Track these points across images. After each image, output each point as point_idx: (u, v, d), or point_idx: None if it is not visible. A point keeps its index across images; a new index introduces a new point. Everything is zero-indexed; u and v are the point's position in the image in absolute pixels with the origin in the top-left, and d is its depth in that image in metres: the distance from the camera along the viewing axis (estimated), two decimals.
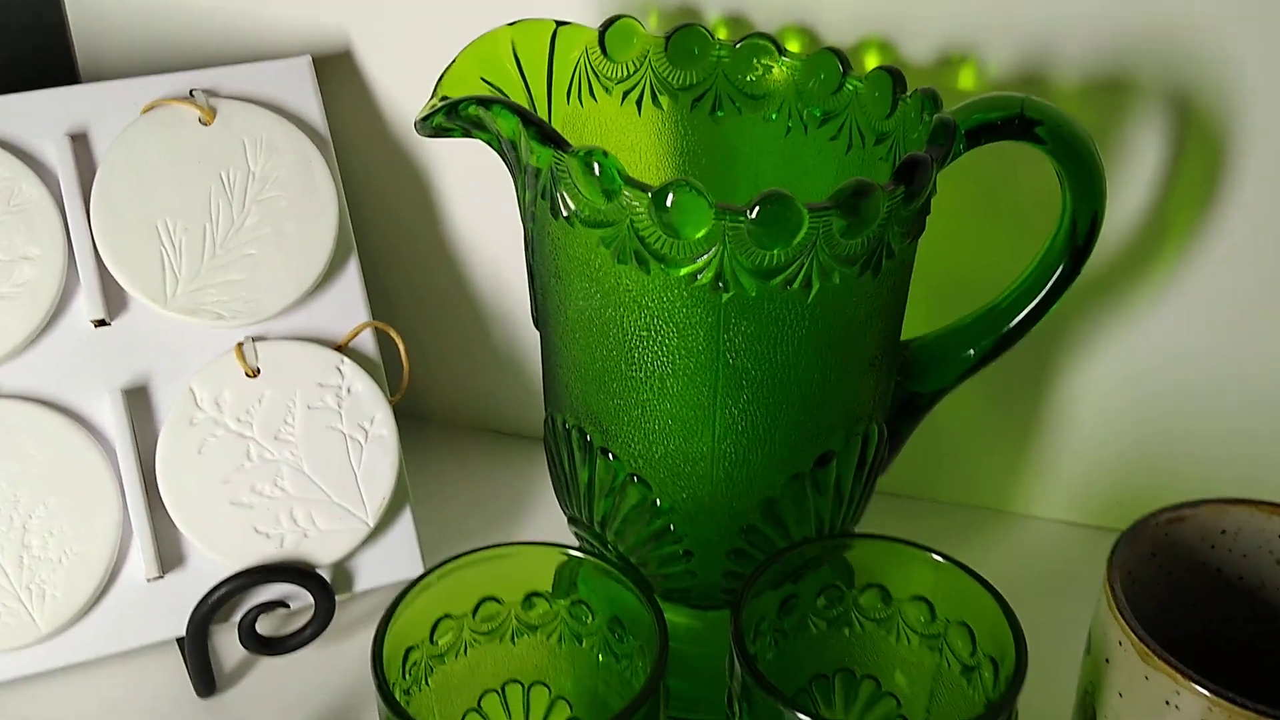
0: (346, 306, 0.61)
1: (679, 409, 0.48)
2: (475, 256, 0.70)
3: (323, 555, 0.58)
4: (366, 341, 0.62)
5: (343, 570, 0.60)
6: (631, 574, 0.46)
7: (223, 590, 0.56)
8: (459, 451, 0.74)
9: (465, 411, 0.75)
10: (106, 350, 0.58)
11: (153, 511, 0.57)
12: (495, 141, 0.50)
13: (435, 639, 0.47)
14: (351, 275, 0.62)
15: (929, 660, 0.49)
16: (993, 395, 0.66)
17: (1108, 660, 0.44)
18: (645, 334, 0.47)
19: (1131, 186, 0.60)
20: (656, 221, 0.44)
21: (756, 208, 0.43)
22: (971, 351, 0.54)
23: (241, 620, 0.57)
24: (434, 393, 0.74)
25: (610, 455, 0.51)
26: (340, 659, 0.61)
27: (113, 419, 0.57)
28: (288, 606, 0.58)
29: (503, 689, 0.45)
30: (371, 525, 0.59)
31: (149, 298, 0.57)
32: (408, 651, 0.46)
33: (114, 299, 0.58)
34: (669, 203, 0.43)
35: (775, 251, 0.44)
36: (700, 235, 0.44)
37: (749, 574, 0.48)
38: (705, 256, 0.44)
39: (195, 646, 0.57)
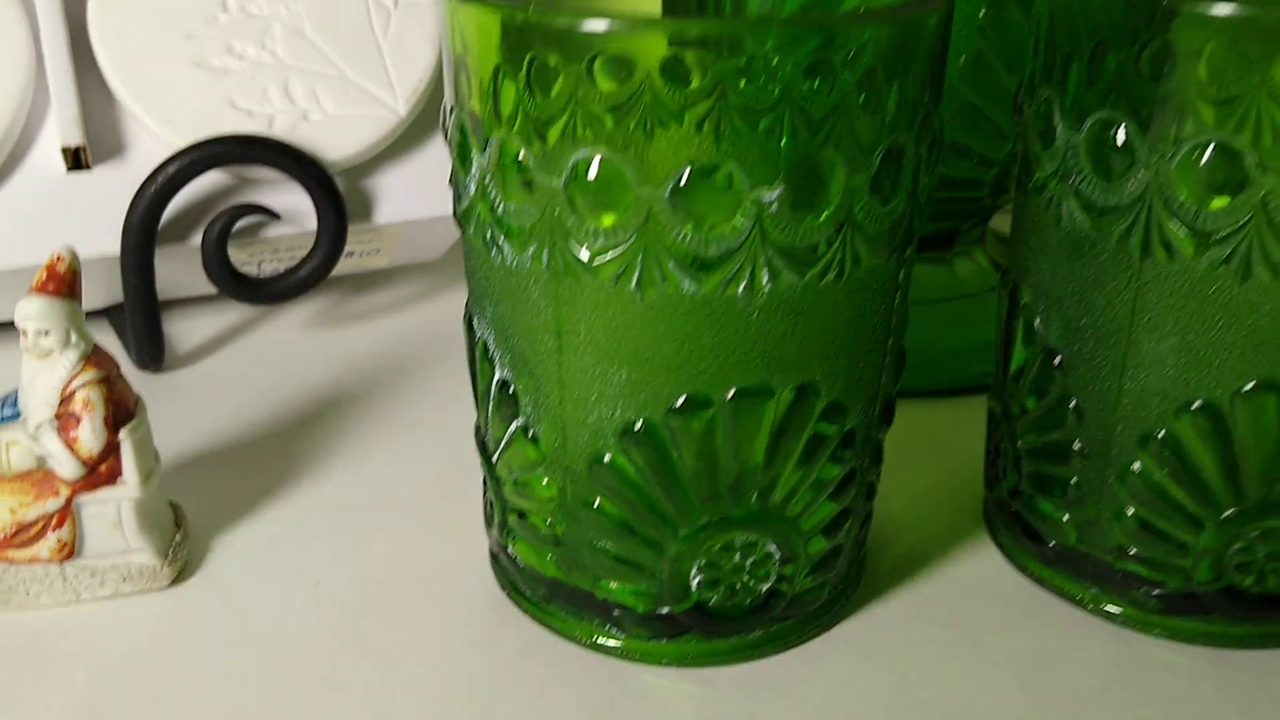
0: None
1: None
2: None
3: (332, 148, 0.40)
4: None
5: (358, 188, 0.41)
6: None
7: (178, 165, 0.37)
8: None
9: None
10: None
11: (79, 68, 0.39)
12: None
13: (534, 85, 0.28)
14: None
15: None
16: None
17: None
18: None
19: None
20: None
21: None
22: None
23: (208, 231, 0.39)
24: None
25: None
26: (346, 340, 0.42)
27: None
28: (275, 215, 0.39)
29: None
30: (403, 114, 0.41)
31: None
32: (497, 70, 0.27)
33: None
34: None
35: None
36: None
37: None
38: None
39: (136, 263, 0.38)
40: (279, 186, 0.40)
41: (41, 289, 0.28)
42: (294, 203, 0.40)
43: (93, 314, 0.42)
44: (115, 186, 0.39)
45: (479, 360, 0.27)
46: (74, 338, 0.28)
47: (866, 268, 0.24)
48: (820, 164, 0.22)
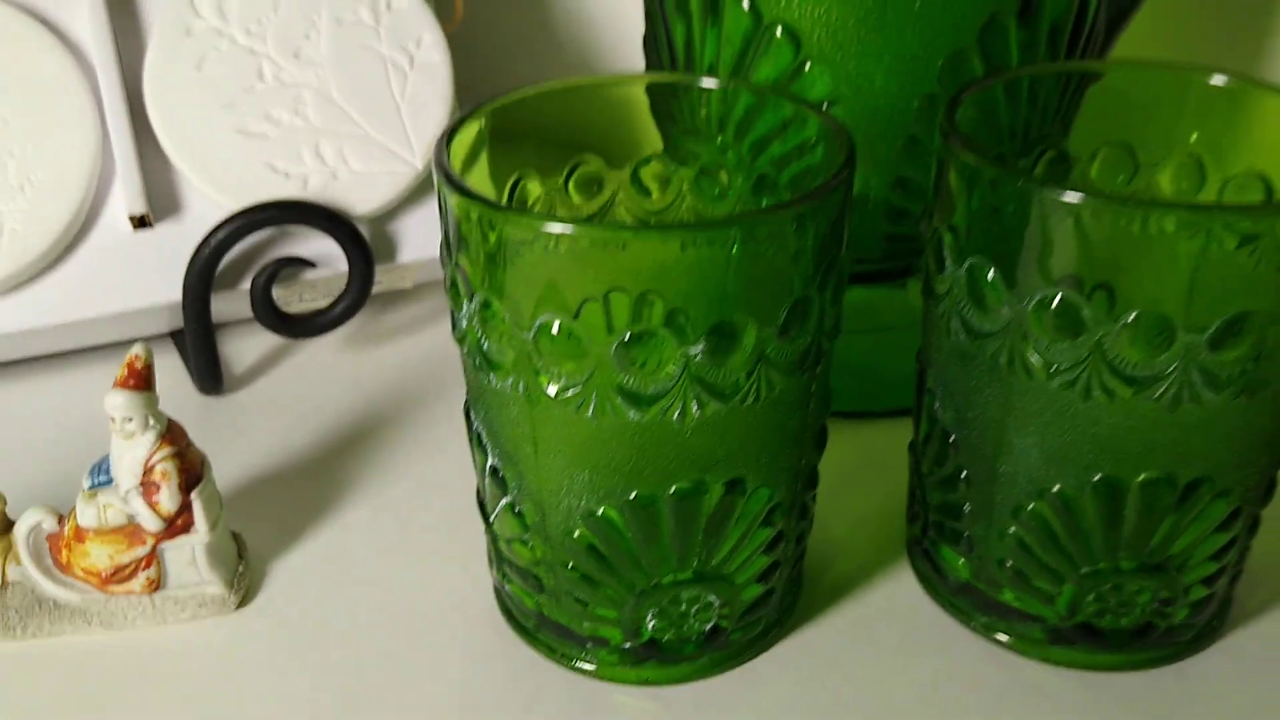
0: None
1: None
2: None
3: (359, 203, 0.45)
4: None
5: (383, 232, 0.47)
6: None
7: (228, 230, 0.43)
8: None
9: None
10: None
11: (139, 138, 0.45)
12: None
13: (519, 202, 0.34)
14: None
15: (1188, 249, 0.35)
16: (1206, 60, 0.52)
17: None
18: None
19: None
20: None
21: None
22: None
23: (255, 280, 0.45)
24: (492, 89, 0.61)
25: (744, 2, 0.38)
26: (378, 360, 0.48)
27: (90, 24, 0.44)
28: (313, 265, 0.45)
29: (606, 297, 0.31)
30: (420, 167, 0.46)
31: None
32: (484, 233, 0.33)
33: None
34: None
35: None
36: None
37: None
38: None
39: (194, 311, 0.44)
40: (315, 235, 0.45)
41: (124, 384, 0.34)
42: (328, 248, 0.46)
43: (159, 337, 0.49)
44: (175, 240, 0.45)
45: (475, 446, 0.33)
46: (151, 421, 0.34)
47: (780, 389, 0.30)
48: (735, 325, 0.28)
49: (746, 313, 0.28)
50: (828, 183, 0.29)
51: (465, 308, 0.30)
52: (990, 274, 0.30)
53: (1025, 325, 0.29)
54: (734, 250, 0.28)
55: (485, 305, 0.29)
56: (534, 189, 0.35)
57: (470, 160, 0.33)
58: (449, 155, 0.30)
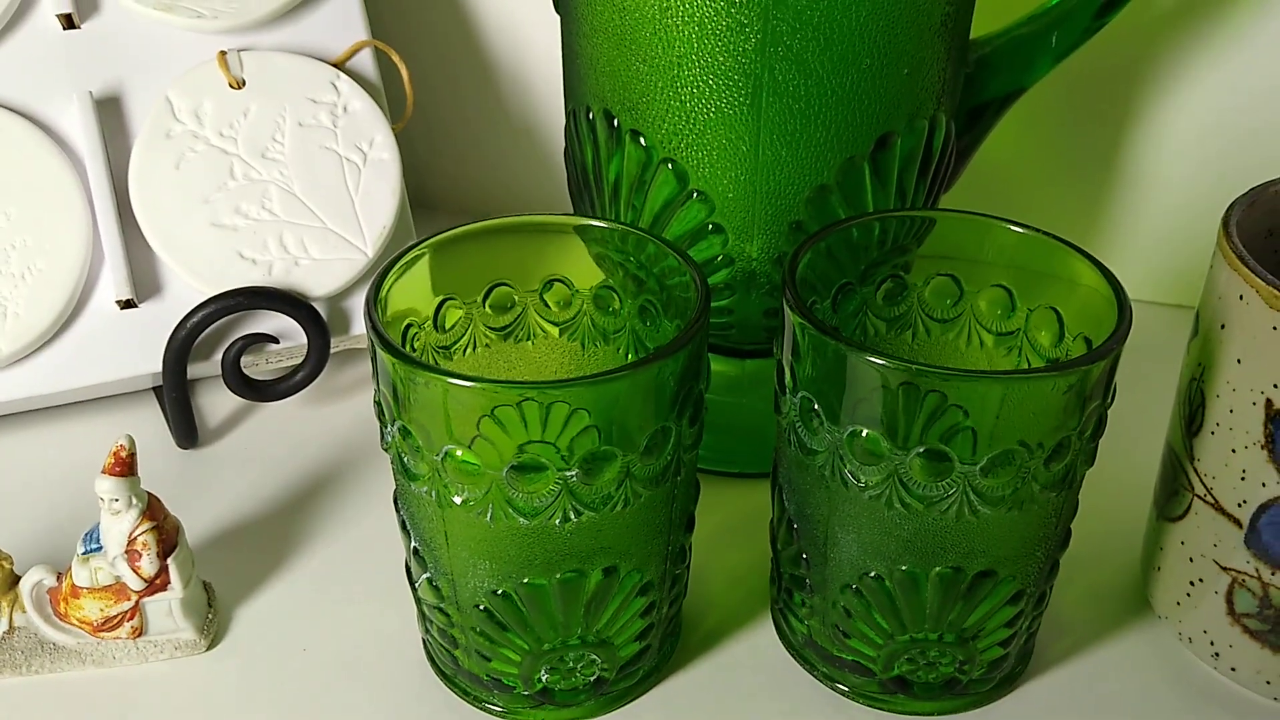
0: (344, 23, 0.55)
1: (717, 69, 0.42)
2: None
3: (317, 286, 0.52)
4: (366, 65, 0.55)
5: (339, 309, 0.54)
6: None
7: (202, 314, 0.50)
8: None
9: (477, 196, 0.69)
10: (76, 54, 0.52)
11: (125, 230, 0.51)
12: None
13: (441, 323, 0.41)
14: None
15: (1002, 364, 0.42)
16: (1060, 158, 0.59)
17: (1223, 326, 0.38)
18: None
19: None
20: None
21: None
22: (1054, 39, 0.47)
23: (226, 353, 0.51)
24: (441, 177, 0.69)
25: (641, 140, 0.45)
26: (334, 415, 0.55)
27: (81, 128, 0.51)
28: (276, 341, 0.52)
29: (520, 405, 0.38)
30: (370, 256, 0.53)
31: None
32: (407, 329, 0.39)
33: None
34: None
35: None
36: None
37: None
38: None
39: (173, 382, 0.51)
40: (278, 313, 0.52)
41: (111, 471, 0.41)
42: (291, 323, 0.52)
43: (142, 391, 0.56)
44: (157, 318, 0.51)
45: (402, 530, 0.40)
46: (134, 500, 0.41)
47: (646, 497, 0.37)
48: (602, 453, 0.35)
49: (613, 442, 0.35)
50: (680, 337, 0.35)
51: (389, 428, 0.37)
52: (816, 406, 0.37)
53: (842, 450, 0.36)
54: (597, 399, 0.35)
55: (403, 429, 0.36)
56: (456, 311, 0.41)
57: (409, 286, 0.39)
58: (378, 306, 0.37)
